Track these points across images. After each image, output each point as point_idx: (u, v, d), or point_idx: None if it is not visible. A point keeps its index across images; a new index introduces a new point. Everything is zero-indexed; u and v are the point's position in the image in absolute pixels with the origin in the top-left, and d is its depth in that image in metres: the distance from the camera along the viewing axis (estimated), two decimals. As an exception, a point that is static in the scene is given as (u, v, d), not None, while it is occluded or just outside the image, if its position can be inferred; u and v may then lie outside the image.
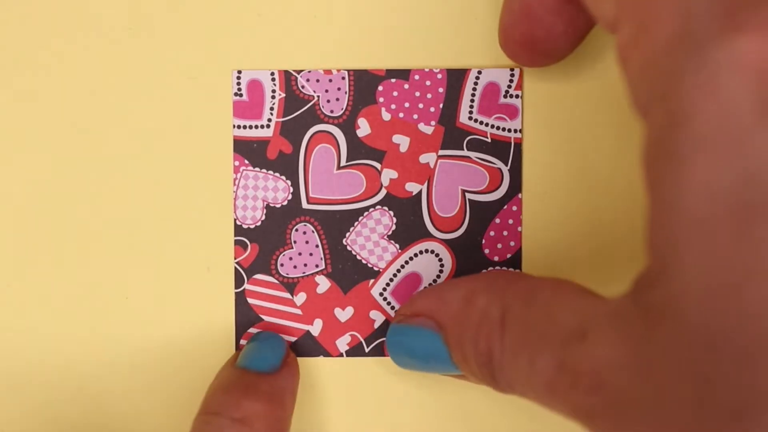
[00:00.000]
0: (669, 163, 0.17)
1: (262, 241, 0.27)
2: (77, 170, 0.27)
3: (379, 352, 0.27)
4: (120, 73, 0.27)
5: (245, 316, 0.27)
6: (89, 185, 0.27)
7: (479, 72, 0.27)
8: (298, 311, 0.27)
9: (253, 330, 0.27)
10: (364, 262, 0.27)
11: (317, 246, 0.27)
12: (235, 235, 0.27)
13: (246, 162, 0.27)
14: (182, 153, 0.27)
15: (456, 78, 0.27)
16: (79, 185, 0.27)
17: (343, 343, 0.27)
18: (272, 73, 0.27)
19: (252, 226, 0.27)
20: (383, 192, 0.27)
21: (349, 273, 0.27)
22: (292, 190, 0.27)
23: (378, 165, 0.27)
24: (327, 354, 0.27)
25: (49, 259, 0.27)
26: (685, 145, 0.16)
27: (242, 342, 0.27)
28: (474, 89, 0.27)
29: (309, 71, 0.27)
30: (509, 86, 0.27)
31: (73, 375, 0.27)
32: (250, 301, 0.27)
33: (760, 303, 0.16)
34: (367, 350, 0.27)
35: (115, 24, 0.27)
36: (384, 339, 0.27)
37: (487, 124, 0.27)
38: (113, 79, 0.27)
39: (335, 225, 0.27)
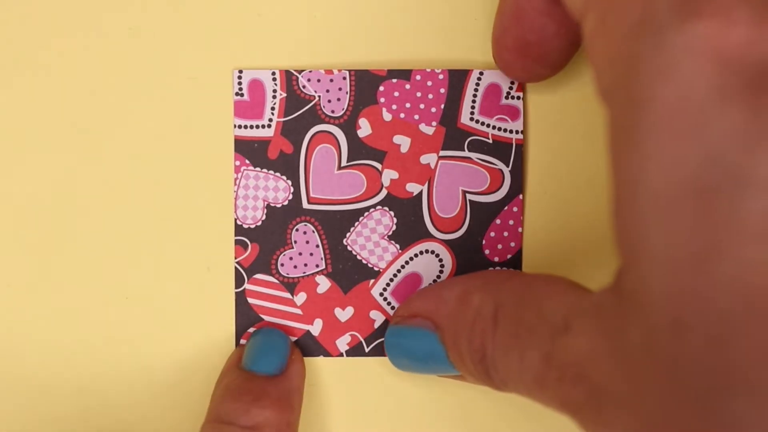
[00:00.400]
0: (629, 146, 0.17)
1: (263, 241, 0.27)
2: (77, 170, 0.27)
3: (379, 352, 0.27)
4: (120, 73, 0.27)
5: (245, 315, 0.27)
6: (89, 185, 0.27)
7: (481, 73, 0.27)
8: (299, 311, 0.27)
9: (252, 329, 0.27)
10: (364, 262, 0.27)
11: (317, 246, 0.27)
12: (236, 235, 0.27)
13: (247, 162, 0.27)
14: (183, 153, 0.27)
15: (458, 79, 0.27)
16: (79, 185, 0.27)
17: (343, 342, 0.27)
18: (273, 73, 0.27)
19: (252, 226, 0.27)
20: (384, 192, 0.27)
21: (350, 273, 0.27)
22: (292, 190, 0.27)
23: (379, 165, 0.27)
24: (327, 354, 0.27)
25: (49, 259, 0.27)
26: (644, 128, 0.17)
27: (242, 342, 0.27)
28: (476, 90, 0.27)
29: (310, 71, 0.27)
30: (511, 87, 0.27)
31: (73, 375, 0.27)
32: (251, 300, 0.27)
33: (723, 283, 0.16)
34: (367, 350, 0.27)
35: (115, 24, 0.27)
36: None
37: (488, 125, 0.27)
38: (113, 79, 0.27)
39: (336, 225, 0.27)
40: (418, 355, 0.24)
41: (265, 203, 0.27)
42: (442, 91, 0.27)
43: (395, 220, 0.27)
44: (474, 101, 0.27)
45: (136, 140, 0.27)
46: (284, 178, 0.27)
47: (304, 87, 0.27)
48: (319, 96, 0.27)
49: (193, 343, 0.27)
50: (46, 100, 0.27)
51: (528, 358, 0.20)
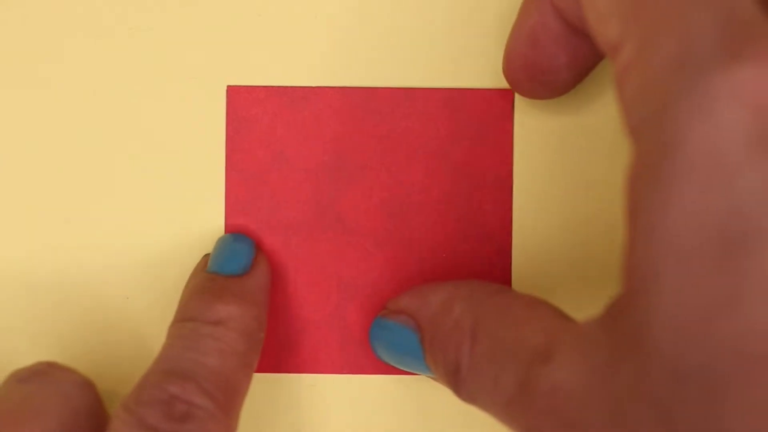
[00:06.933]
0: (655, 188, 0.16)
1: None
2: (78, 170, 0.27)
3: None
4: (121, 72, 0.27)
5: None
6: (89, 185, 0.27)
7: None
8: None
9: None
10: None
11: None
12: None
13: None
14: (183, 152, 0.27)
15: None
16: (79, 185, 0.27)
17: None
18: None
19: None
20: None
21: None
22: None
23: None
24: None
25: (49, 259, 0.27)
26: (673, 171, 0.16)
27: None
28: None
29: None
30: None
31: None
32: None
33: (733, 338, 0.16)
34: None
35: (115, 24, 0.27)
36: None
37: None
38: (115, 79, 0.27)
39: None
40: (398, 350, 0.24)
41: None
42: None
43: None
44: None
45: (137, 140, 0.27)
46: None
47: None
48: None
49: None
50: (46, 99, 0.27)
51: (502, 381, 0.20)
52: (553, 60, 0.23)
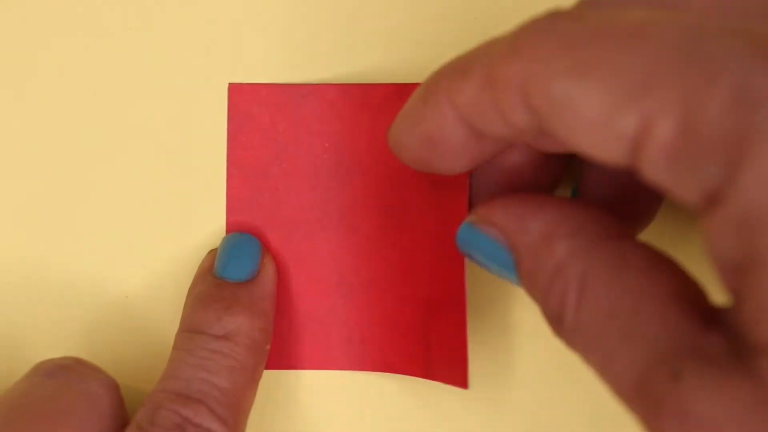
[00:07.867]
0: None
1: None
2: (78, 170, 0.27)
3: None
4: (121, 72, 0.27)
5: None
6: (89, 185, 0.27)
7: None
8: None
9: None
10: None
11: None
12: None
13: None
14: (183, 152, 0.27)
15: None
16: (79, 185, 0.27)
17: None
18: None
19: None
20: None
21: None
22: None
23: None
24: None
25: (50, 258, 0.27)
26: None
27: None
28: None
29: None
30: None
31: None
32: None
33: None
34: None
35: (115, 24, 0.27)
36: None
37: None
38: (115, 79, 0.27)
39: None
40: (488, 257, 0.22)
41: None
42: None
43: None
44: None
45: (138, 140, 0.27)
46: None
47: None
48: None
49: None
50: (46, 99, 0.27)
51: (616, 368, 0.18)
52: (452, 164, 0.21)
